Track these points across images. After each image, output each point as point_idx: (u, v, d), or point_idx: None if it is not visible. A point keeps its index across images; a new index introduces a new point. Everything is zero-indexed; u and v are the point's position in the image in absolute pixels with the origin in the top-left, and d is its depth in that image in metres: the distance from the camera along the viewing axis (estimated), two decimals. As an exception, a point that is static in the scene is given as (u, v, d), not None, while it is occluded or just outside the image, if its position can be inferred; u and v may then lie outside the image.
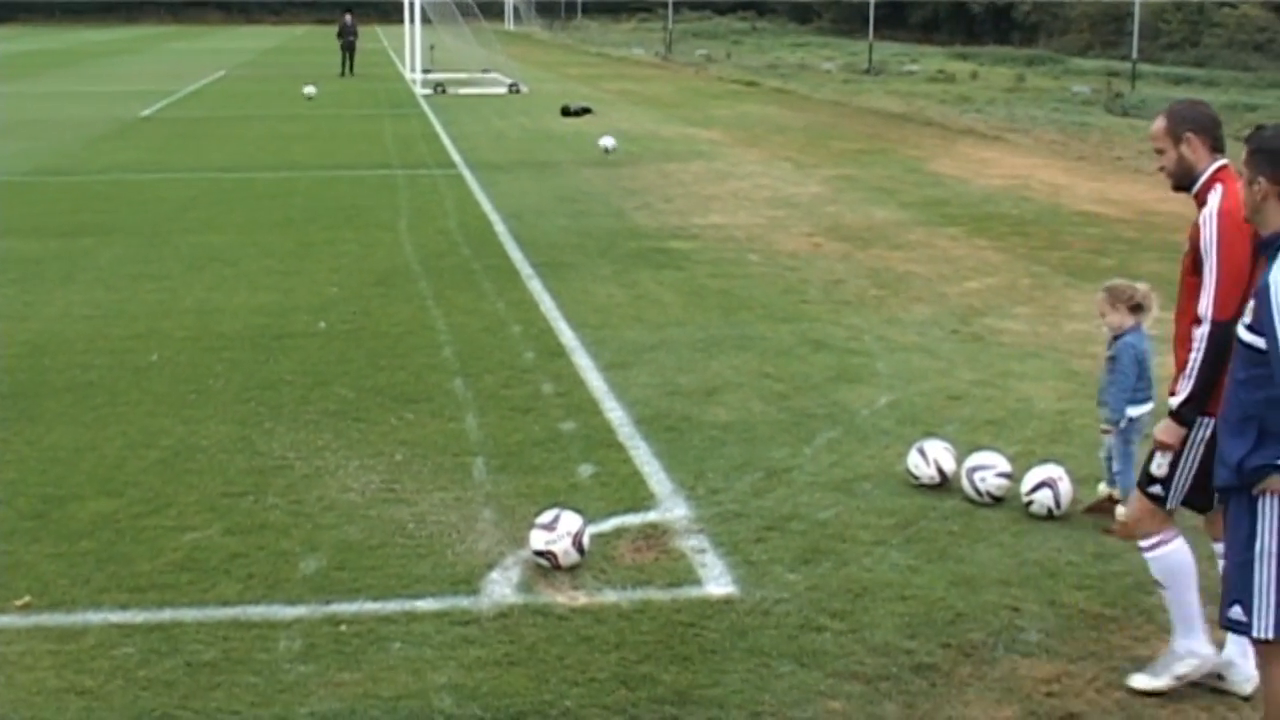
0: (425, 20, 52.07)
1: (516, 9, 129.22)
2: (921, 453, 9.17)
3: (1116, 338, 8.46)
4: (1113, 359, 8.44)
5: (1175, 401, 6.16)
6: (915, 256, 17.60)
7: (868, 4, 66.31)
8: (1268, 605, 5.36)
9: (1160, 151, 6.40)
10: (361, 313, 14.28)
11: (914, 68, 59.55)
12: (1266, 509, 5.33)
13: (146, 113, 39.48)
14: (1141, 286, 8.52)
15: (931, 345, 13.02)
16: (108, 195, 23.00)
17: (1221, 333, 5.90)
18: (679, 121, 36.65)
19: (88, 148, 30.25)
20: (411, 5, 51.07)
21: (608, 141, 28.70)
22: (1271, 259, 5.27)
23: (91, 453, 9.83)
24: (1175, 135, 6.33)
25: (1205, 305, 6.00)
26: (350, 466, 9.49)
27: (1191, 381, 6.07)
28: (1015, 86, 49.10)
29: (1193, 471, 6.24)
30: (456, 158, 28.16)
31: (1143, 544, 6.47)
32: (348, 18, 59.81)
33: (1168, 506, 6.37)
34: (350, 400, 11.10)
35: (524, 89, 47.52)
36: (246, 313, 14.29)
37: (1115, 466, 8.51)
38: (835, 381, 11.66)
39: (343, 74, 57.05)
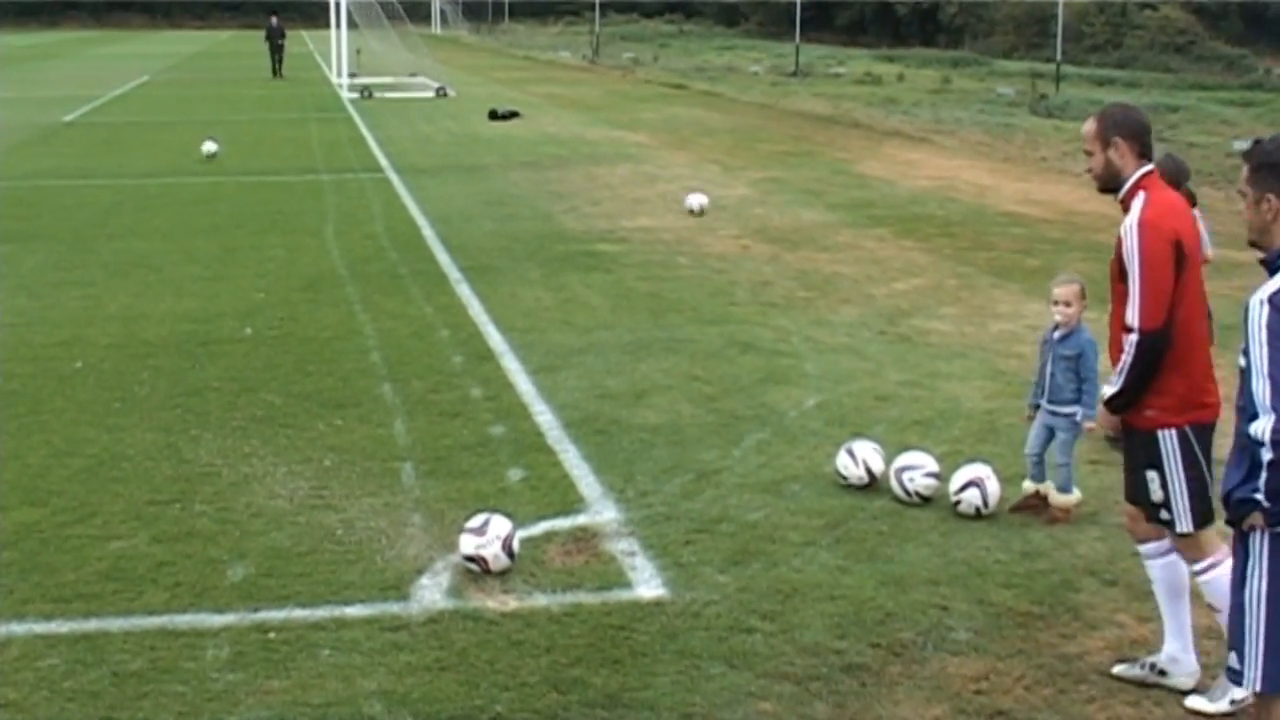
0: (351, 24, 52.09)
1: (443, 13, 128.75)
2: (850, 453, 9.21)
3: (1068, 335, 8.53)
4: (1076, 357, 8.48)
5: (1108, 391, 6.33)
6: (843, 258, 17.69)
7: (795, 6, 66.60)
8: (1257, 655, 4.94)
9: (1089, 154, 6.48)
10: (288, 318, 14.22)
11: (841, 70, 59.82)
12: (1257, 547, 4.92)
13: (69, 118, 39.21)
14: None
15: (859, 346, 13.09)
16: (30, 201, 22.78)
17: (1150, 341, 6.06)
18: (606, 124, 36.71)
19: (9, 154, 29.96)
20: (337, 8, 50.93)
21: (696, 201, 21.34)
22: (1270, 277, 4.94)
23: (14, 462, 9.74)
24: (1104, 139, 6.40)
25: (1133, 316, 6.11)
26: (278, 473, 9.44)
27: (1122, 379, 6.21)
28: (941, 88, 49.46)
29: (1185, 488, 6.20)
30: (384, 162, 28.11)
31: (1197, 568, 6.34)
32: (274, 20, 60.08)
33: (1182, 530, 6.28)
34: (278, 406, 11.05)
35: (451, 93, 47.47)
36: (172, 319, 14.20)
37: (1060, 459, 8.56)
38: (764, 383, 11.68)
39: (273, 76, 57.20)
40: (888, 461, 9.14)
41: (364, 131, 34.78)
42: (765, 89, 49.99)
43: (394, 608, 7.30)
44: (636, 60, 70.11)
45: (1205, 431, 6.23)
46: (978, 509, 8.63)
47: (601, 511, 8.69)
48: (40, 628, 7.08)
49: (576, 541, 8.20)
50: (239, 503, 8.86)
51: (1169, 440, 6.19)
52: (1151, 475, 6.26)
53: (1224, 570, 5.86)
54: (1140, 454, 6.32)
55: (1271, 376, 4.70)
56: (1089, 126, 6.49)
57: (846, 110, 40.67)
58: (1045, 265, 16.62)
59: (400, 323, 13.99)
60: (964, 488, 8.68)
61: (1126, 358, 6.15)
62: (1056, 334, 8.58)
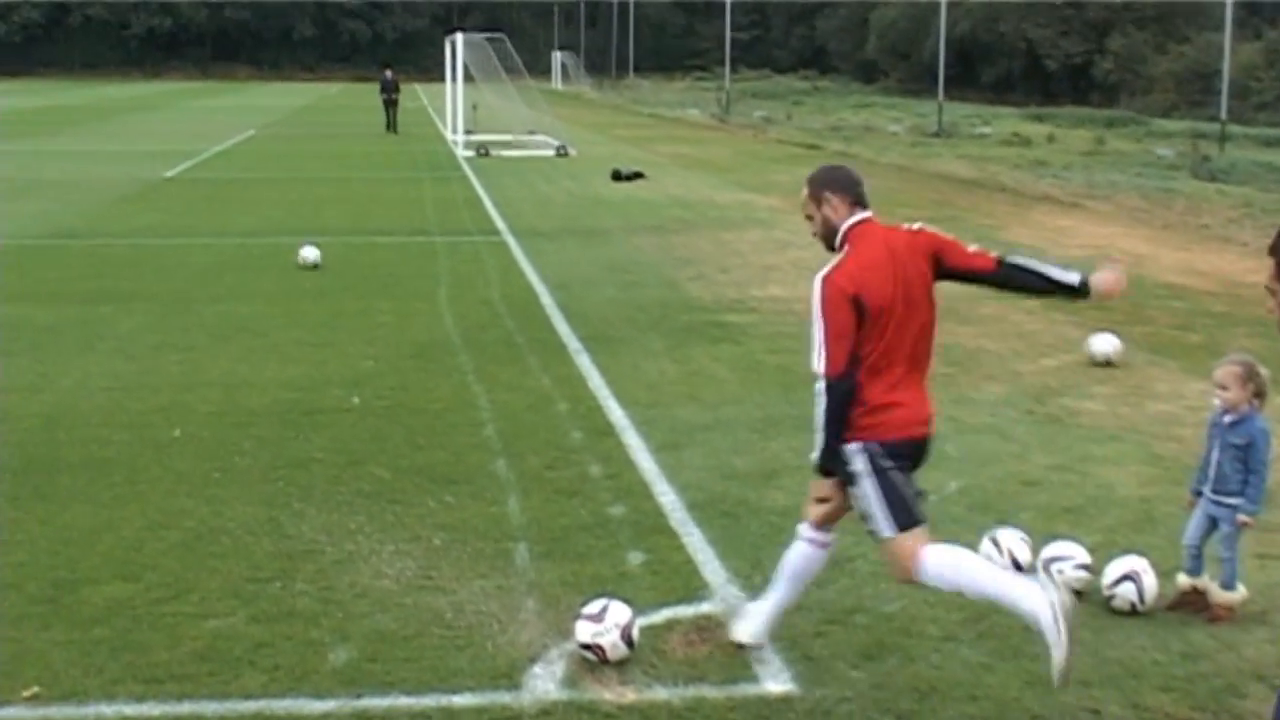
0: (468, 78, 52.66)
1: (564, 67, 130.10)
2: (995, 542, 9.11)
3: (1237, 422, 8.36)
4: (1246, 446, 8.30)
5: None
6: (987, 331, 17.56)
7: (937, 62, 66.47)
8: None
9: (809, 218, 7.34)
10: (398, 388, 14.31)
11: (986, 130, 59.63)
12: None
13: (170, 174, 39.92)
14: (1265, 372, 8.44)
15: (1004, 426, 12.97)
16: (129, 260, 23.19)
17: (837, 387, 6.95)
18: (736, 187, 36.80)
19: (108, 210, 30.57)
20: (454, 62, 51.51)
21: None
22: None
23: (108, 533, 9.83)
24: (816, 198, 7.31)
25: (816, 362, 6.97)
26: (385, 551, 9.47)
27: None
28: (1094, 149, 49.09)
29: None
30: (500, 224, 28.35)
31: None
32: (388, 73, 61.17)
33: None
34: (386, 481, 11.08)
35: (572, 151, 47.85)
36: (275, 386, 14.36)
37: (1224, 552, 8.38)
38: (902, 464, 11.56)
39: (386, 131, 58.21)
40: (1035, 551, 9.02)
41: (480, 191, 35.12)
42: (904, 149, 49.91)
43: (505, 697, 7.27)
44: (768, 118, 70.36)
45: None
46: (1133, 605, 8.47)
47: (727, 599, 8.63)
48: (131, 709, 7.12)
49: (700, 631, 8.13)
50: (343, 582, 8.89)
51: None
52: None
53: None
54: None
55: None
56: (802, 193, 7.34)
57: (992, 173, 40.44)
58: (1207, 341, 16.39)
59: (516, 394, 14.05)
60: (1118, 581, 8.51)
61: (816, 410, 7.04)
62: (1226, 419, 8.40)
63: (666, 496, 10.73)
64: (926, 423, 7.35)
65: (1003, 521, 9.76)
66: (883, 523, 7.10)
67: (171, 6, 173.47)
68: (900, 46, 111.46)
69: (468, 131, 50.53)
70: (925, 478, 11.25)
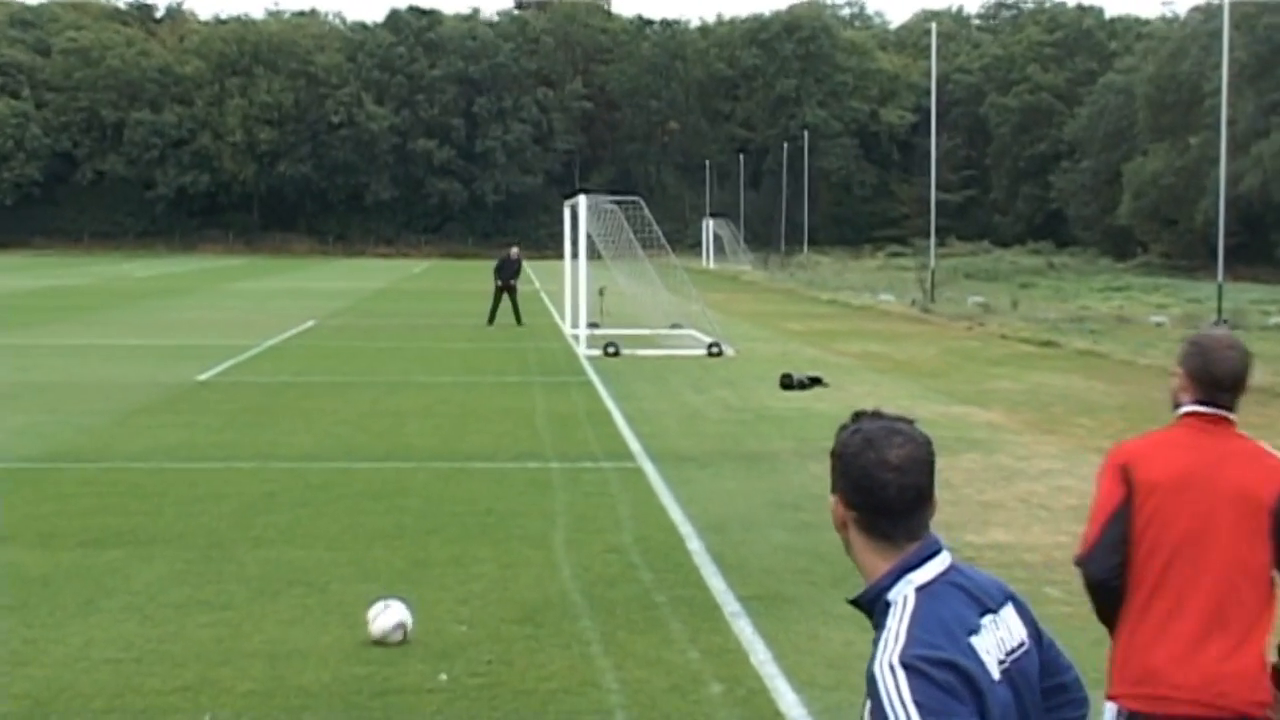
0: (593, 255, 53.16)
1: (718, 239, 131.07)
2: None
3: None
4: None
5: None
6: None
7: (1214, 230, 66.25)
8: None
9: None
10: (500, 661, 14.26)
11: (1284, 320, 59.25)
12: None
13: (204, 376, 40.33)
14: None
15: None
16: (149, 490, 23.27)
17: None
18: (944, 397, 36.84)
19: (122, 424, 30.84)
20: (574, 234, 51.84)
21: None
22: None
23: None
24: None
25: None
26: None
27: None
28: None
29: None
30: (634, 445, 28.37)
31: None
32: (513, 252, 61.78)
33: None
34: None
35: (729, 350, 48.08)
36: (338, 658, 14.34)
37: None
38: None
39: (490, 321, 58.80)
40: None
41: (608, 402, 35.24)
42: (1172, 347, 49.25)
43: None
44: (987, 307, 70.46)
45: None
46: None
47: None
48: None
49: None
50: None
51: None
52: None
53: None
54: None
55: None
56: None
57: (1293, 379, 40.06)
58: None
59: (654, 672, 13.95)
60: None
61: None
62: None
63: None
64: None
65: None
66: None
67: (208, 160, 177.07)
68: (1164, 209, 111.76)
69: (592, 325, 50.87)
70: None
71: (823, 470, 24.66)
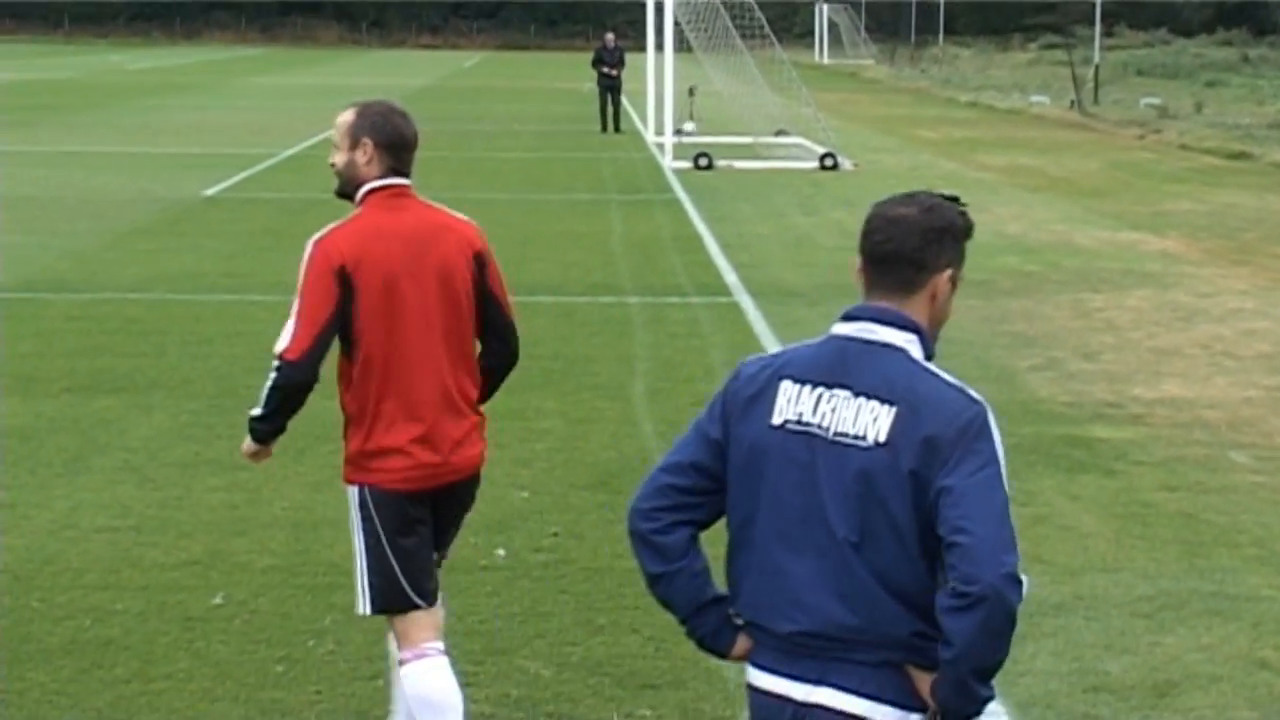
0: (682, 45, 51.50)
1: (835, 29, 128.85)
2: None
3: None
4: None
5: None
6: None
7: None
8: None
9: (336, 147, 8.62)
10: (567, 534, 13.78)
11: None
12: None
13: (211, 191, 39.12)
14: None
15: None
16: (145, 327, 22.20)
17: (287, 372, 8.41)
18: (1109, 221, 35.50)
19: (113, 247, 29.80)
20: (659, 24, 50.27)
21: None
22: None
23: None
24: (355, 138, 8.54)
25: (280, 341, 8.41)
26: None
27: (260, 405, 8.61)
28: None
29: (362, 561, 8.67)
30: (730, 277, 27.17)
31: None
32: (609, 38, 59.58)
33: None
34: (544, 681, 10.74)
35: (846, 163, 46.59)
36: (374, 528, 13.25)
37: None
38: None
39: (604, 129, 57.66)
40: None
41: (699, 226, 33.97)
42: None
43: None
44: (1164, 110, 68.10)
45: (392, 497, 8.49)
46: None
47: None
48: None
49: None
50: None
51: (351, 497, 8.64)
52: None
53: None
54: None
55: None
56: (344, 117, 8.62)
57: None
58: None
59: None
60: None
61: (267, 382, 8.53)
62: None
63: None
64: None
65: None
66: None
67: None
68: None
69: (680, 131, 49.37)
70: None
71: (961, 309, 23.36)
